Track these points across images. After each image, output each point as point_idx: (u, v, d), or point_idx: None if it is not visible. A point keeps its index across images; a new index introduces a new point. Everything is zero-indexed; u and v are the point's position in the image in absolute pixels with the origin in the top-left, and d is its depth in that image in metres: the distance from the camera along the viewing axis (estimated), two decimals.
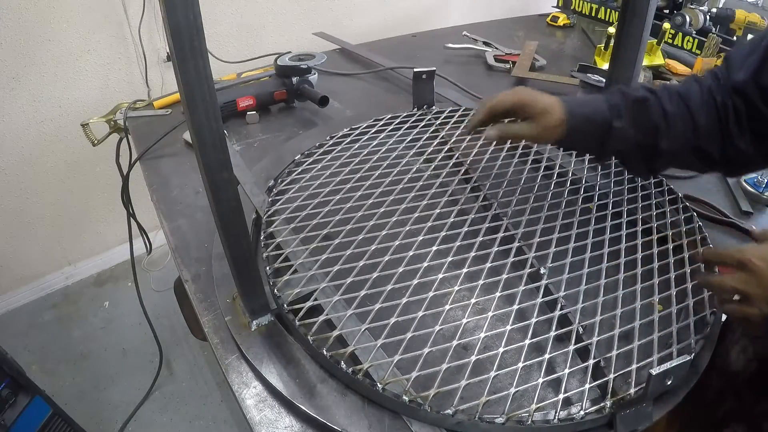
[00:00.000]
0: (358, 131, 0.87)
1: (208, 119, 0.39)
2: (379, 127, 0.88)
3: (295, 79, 1.00)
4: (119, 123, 0.99)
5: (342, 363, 0.49)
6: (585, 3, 1.68)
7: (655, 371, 0.42)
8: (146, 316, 1.27)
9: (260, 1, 1.65)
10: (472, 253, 0.61)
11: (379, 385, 0.46)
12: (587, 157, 0.82)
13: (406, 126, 0.88)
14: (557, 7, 1.77)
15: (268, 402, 0.51)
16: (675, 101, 0.59)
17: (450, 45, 1.36)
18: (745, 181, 0.88)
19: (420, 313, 0.53)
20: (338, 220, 0.66)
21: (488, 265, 0.59)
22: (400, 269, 0.58)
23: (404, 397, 0.46)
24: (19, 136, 1.43)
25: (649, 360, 0.49)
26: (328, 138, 0.86)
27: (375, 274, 0.57)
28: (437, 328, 0.51)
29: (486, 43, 1.38)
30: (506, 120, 0.65)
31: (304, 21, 1.77)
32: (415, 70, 0.92)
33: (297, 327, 0.53)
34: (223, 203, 0.45)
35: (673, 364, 0.43)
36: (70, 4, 1.34)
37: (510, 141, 0.75)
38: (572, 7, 1.72)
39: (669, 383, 0.45)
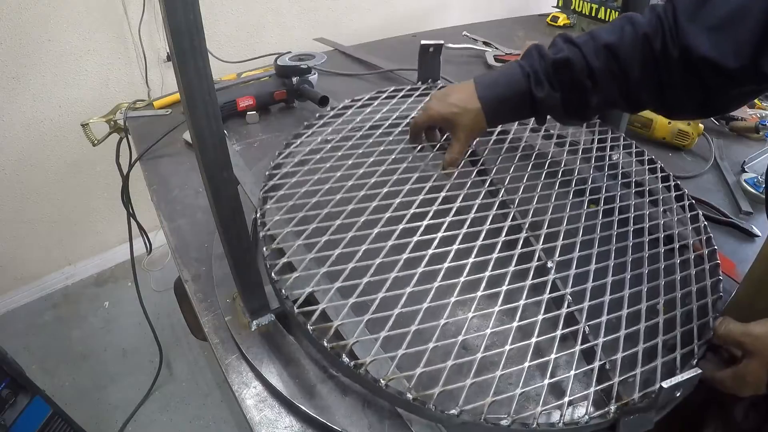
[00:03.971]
0: (360, 103, 0.82)
1: (208, 119, 0.39)
2: (382, 99, 0.83)
3: (295, 79, 1.00)
4: (119, 123, 0.99)
5: (344, 356, 0.46)
6: (585, 3, 1.68)
7: (667, 384, 0.41)
8: (146, 316, 1.27)
9: (260, 1, 1.65)
10: (479, 242, 0.57)
11: (381, 381, 0.45)
12: (594, 155, 0.77)
13: (411, 100, 0.83)
14: (557, 7, 1.77)
15: (268, 402, 0.51)
16: (602, 56, 0.54)
17: (450, 45, 1.36)
18: (745, 181, 0.88)
19: (424, 305, 0.49)
20: (339, 199, 0.61)
21: (495, 255, 0.56)
22: (404, 256, 0.54)
23: (408, 395, 0.44)
24: (19, 136, 1.43)
25: (653, 364, 0.48)
26: (329, 109, 0.82)
27: (378, 260, 0.53)
28: (442, 321, 0.49)
29: (486, 43, 1.38)
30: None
31: (304, 21, 1.77)
32: (422, 42, 0.89)
33: (296, 314, 0.49)
34: (223, 203, 0.45)
35: (684, 377, 0.42)
36: (70, 4, 1.34)
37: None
38: (572, 7, 1.72)
39: (678, 395, 0.44)
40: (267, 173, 0.67)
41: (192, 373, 1.46)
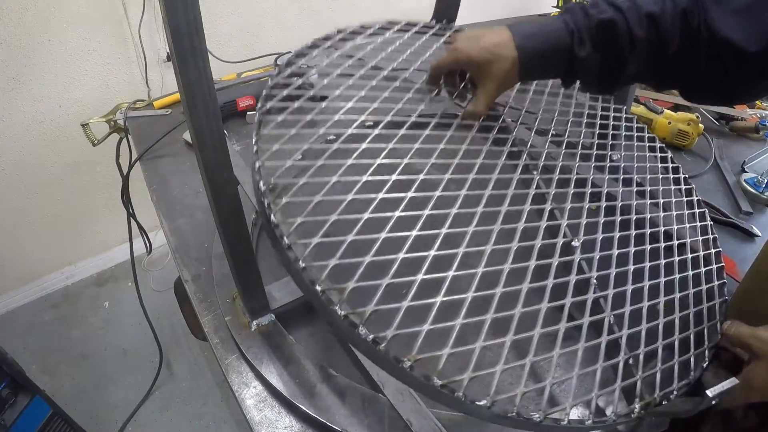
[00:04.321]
0: (369, 32, 0.71)
1: (208, 119, 0.39)
2: (392, 34, 0.72)
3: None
4: (119, 123, 0.99)
5: (361, 327, 0.38)
6: (585, 2, 1.68)
7: (712, 393, 0.41)
8: (146, 316, 1.27)
9: (260, 1, 1.65)
10: (504, 207, 0.50)
11: (406, 361, 0.37)
12: (608, 164, 0.68)
13: (423, 39, 0.72)
14: (557, 7, 1.78)
15: (268, 402, 0.51)
16: (645, 25, 0.52)
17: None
18: (745, 181, 0.88)
19: (450, 273, 0.42)
20: (351, 135, 0.52)
21: (522, 225, 0.49)
22: (426, 212, 0.46)
23: (435, 380, 0.37)
24: (19, 136, 1.43)
25: (671, 363, 0.47)
26: (335, 31, 0.70)
27: (397, 213, 0.45)
28: (470, 295, 0.41)
29: None
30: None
31: (304, 21, 1.77)
32: None
33: (301, 270, 0.40)
34: (223, 203, 0.45)
35: (725, 387, 0.42)
36: (70, 4, 1.34)
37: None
38: None
39: (713, 402, 0.43)
40: (265, 93, 0.55)
41: (192, 373, 1.46)
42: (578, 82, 0.60)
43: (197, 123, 0.39)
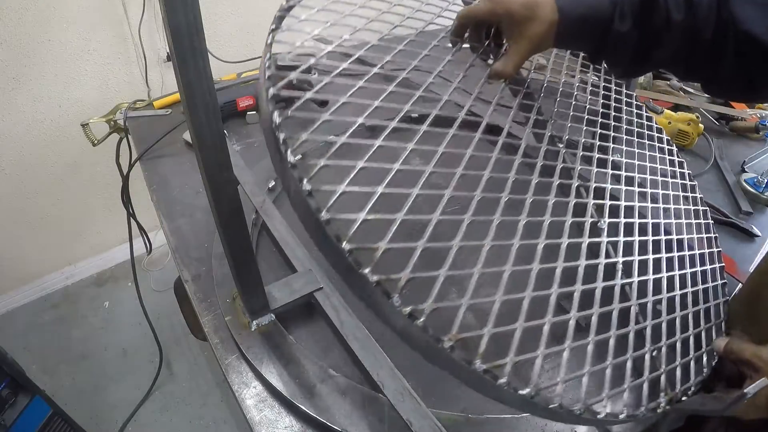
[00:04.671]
0: None
1: (208, 119, 0.39)
2: None
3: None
4: (119, 123, 0.99)
5: (395, 297, 0.31)
6: None
7: (750, 391, 0.41)
8: (146, 316, 1.27)
9: (260, 1, 1.65)
10: (535, 179, 0.47)
11: (446, 341, 0.31)
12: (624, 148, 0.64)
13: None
14: None
15: (268, 402, 0.51)
16: (682, 9, 0.50)
17: (450, 45, 1.36)
18: (745, 181, 0.88)
19: (486, 242, 0.38)
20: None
21: (552, 199, 0.47)
22: (459, 171, 0.41)
23: (478, 363, 0.32)
24: (19, 136, 1.43)
25: (687, 359, 0.46)
26: None
27: (429, 168, 0.40)
28: (507, 269, 0.37)
29: None
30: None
31: None
32: None
33: (324, 222, 0.32)
34: (223, 203, 0.45)
35: (756, 388, 0.41)
36: (70, 4, 1.34)
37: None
38: None
39: (744, 401, 0.43)
40: (277, 14, 0.50)
41: (192, 373, 1.46)
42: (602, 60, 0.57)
43: (197, 123, 0.39)
